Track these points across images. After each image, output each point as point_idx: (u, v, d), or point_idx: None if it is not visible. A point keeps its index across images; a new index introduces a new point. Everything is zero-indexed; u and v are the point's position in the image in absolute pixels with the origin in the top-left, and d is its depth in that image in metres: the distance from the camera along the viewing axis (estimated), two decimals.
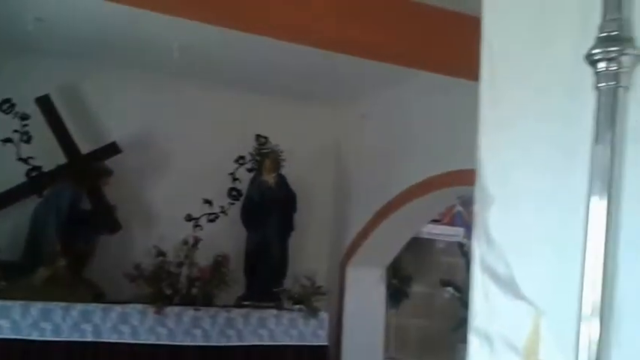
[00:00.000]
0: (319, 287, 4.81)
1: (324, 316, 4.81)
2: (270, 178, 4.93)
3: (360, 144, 5.27)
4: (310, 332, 4.72)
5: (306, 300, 4.75)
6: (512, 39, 1.19)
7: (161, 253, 4.39)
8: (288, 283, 4.84)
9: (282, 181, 4.96)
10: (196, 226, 4.78)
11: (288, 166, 4.97)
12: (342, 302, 5.26)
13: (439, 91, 4.05)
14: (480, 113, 1.30)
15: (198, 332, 4.39)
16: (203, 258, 4.51)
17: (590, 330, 0.79)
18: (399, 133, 4.75)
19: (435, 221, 5.73)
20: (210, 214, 4.87)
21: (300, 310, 4.72)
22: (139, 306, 4.27)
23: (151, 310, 4.25)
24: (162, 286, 4.33)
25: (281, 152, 4.94)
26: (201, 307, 4.40)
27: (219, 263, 4.53)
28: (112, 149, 4.60)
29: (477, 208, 1.28)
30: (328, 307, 4.97)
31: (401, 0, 3.55)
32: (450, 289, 5.68)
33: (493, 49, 1.27)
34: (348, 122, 5.39)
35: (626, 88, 0.83)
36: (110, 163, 4.59)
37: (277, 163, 4.95)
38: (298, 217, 5.00)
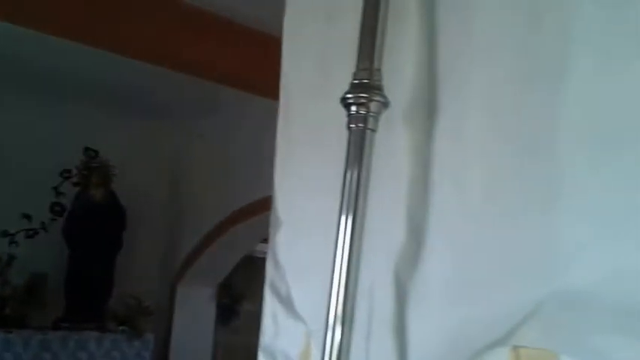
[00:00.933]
0: (146, 307, 4.71)
1: (149, 337, 4.71)
2: (97, 194, 4.76)
3: (196, 163, 5.26)
4: (134, 354, 4.58)
5: (131, 320, 4.62)
6: (300, 72, 1.31)
7: None
8: (113, 302, 4.68)
9: (111, 196, 4.80)
10: (12, 242, 4.46)
11: (120, 181, 4.83)
12: (170, 322, 5.18)
13: (268, 115, 4.18)
14: (277, 141, 1.41)
15: (9, 356, 4.09)
16: (19, 276, 4.23)
17: (334, 339, 0.90)
18: (231, 155, 4.83)
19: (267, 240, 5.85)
20: (28, 229, 4.57)
21: (123, 331, 4.58)
22: None
23: None
24: None
25: (112, 167, 4.79)
26: (14, 330, 4.12)
27: (36, 282, 4.27)
28: None
29: (270, 231, 1.38)
30: (156, 327, 4.87)
31: (231, 23, 3.66)
32: None
33: (288, 81, 1.39)
34: (184, 141, 5.37)
35: (373, 131, 0.95)
36: None
37: (106, 178, 4.80)
38: (129, 235, 4.87)
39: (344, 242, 0.92)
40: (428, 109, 0.94)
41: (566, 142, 0.72)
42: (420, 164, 0.93)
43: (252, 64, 3.54)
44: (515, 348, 0.73)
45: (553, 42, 0.75)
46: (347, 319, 0.90)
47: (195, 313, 5.26)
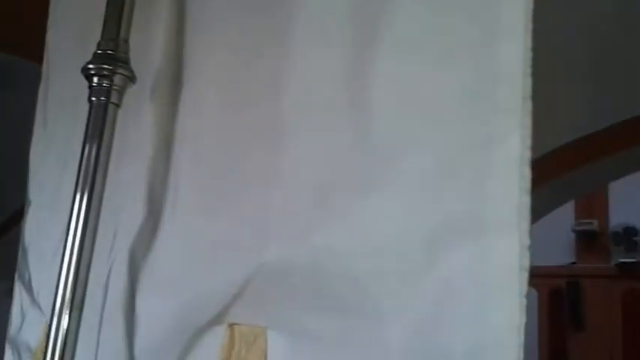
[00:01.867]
0: None
1: None
2: None
3: None
4: None
5: None
6: (61, 44, 1.21)
7: None
8: None
9: None
10: None
11: None
12: None
13: None
14: (36, 115, 1.30)
15: None
16: None
17: (60, 327, 0.83)
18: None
19: None
20: None
21: None
22: None
23: None
24: None
25: None
26: None
27: None
28: None
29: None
30: None
31: None
32: None
33: (50, 52, 1.28)
34: None
35: (117, 106, 0.89)
36: None
37: None
38: None
39: (77, 223, 0.85)
40: (173, 84, 0.91)
41: (287, 117, 0.72)
42: (163, 141, 0.89)
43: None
44: (231, 325, 0.73)
45: (275, 24, 0.76)
46: (76, 305, 0.84)
47: None
